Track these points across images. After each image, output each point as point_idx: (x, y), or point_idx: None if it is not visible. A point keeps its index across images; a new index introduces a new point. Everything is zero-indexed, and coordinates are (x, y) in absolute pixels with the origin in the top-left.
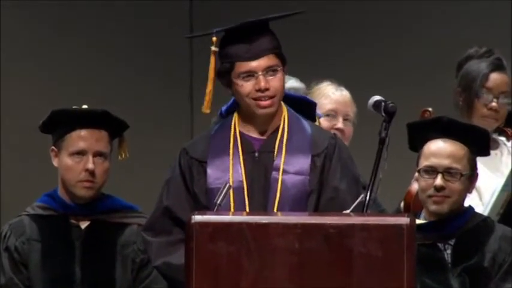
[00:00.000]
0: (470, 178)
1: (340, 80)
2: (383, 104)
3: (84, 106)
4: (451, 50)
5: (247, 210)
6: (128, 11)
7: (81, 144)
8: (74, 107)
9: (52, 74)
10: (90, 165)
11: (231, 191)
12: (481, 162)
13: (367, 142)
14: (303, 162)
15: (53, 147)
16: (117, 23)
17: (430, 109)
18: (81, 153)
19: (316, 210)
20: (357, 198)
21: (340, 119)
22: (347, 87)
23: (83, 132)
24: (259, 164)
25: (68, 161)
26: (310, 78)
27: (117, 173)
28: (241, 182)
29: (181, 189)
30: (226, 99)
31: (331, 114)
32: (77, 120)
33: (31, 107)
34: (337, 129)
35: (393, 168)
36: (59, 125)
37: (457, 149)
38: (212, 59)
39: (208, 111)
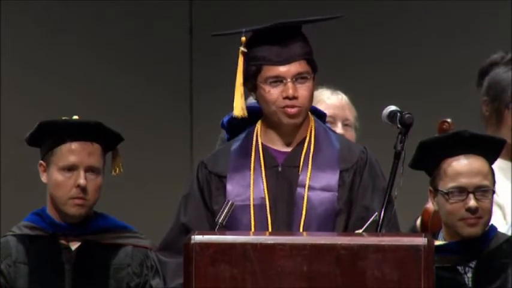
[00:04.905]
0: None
1: (352, 89)
2: (399, 114)
3: (75, 117)
4: (465, 56)
5: (270, 229)
6: (126, 12)
7: (72, 159)
8: (63, 117)
9: (48, 81)
10: (82, 181)
11: (251, 208)
12: (506, 177)
13: (382, 156)
14: (330, 178)
15: (41, 161)
16: (114, 26)
17: (448, 120)
18: (71, 168)
19: (346, 231)
20: (390, 218)
21: (339, 125)
22: (359, 97)
23: (74, 146)
24: (283, 180)
25: (57, 176)
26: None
27: (110, 189)
28: (264, 199)
29: (199, 205)
30: (227, 108)
31: (329, 121)
32: (67, 133)
33: (29, 114)
34: None
35: (408, 183)
36: (48, 137)
37: (482, 164)
38: (240, 61)
39: (244, 114)
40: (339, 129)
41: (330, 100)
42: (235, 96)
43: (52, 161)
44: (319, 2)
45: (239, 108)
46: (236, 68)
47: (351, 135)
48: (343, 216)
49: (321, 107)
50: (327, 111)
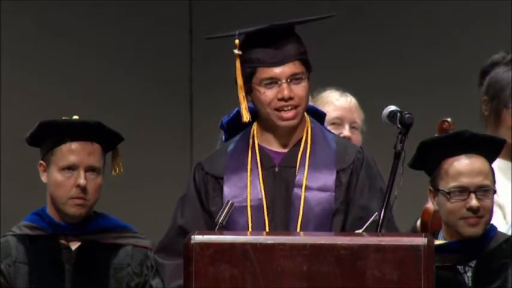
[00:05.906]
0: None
1: (352, 89)
2: (399, 114)
3: (75, 117)
4: (466, 56)
5: (267, 230)
6: (126, 12)
7: (72, 159)
8: (63, 117)
9: (48, 81)
10: (82, 181)
11: (248, 209)
12: (506, 177)
13: (382, 156)
14: (327, 178)
15: (41, 161)
16: (114, 26)
17: (448, 119)
18: (72, 168)
19: (343, 231)
20: (390, 218)
21: (347, 127)
22: (359, 97)
23: (74, 146)
24: (280, 180)
25: (57, 176)
26: (319, 86)
27: (110, 189)
28: (261, 200)
29: (196, 206)
30: (227, 108)
31: (337, 122)
32: (68, 133)
33: (29, 114)
34: (344, 137)
35: (408, 183)
36: (48, 137)
37: (482, 164)
38: (238, 64)
39: (247, 120)
40: (346, 131)
41: (339, 102)
42: (240, 101)
43: (52, 161)
44: (319, 2)
45: (245, 113)
46: (234, 71)
47: (357, 138)
48: (340, 216)
49: (329, 108)
50: (335, 113)
